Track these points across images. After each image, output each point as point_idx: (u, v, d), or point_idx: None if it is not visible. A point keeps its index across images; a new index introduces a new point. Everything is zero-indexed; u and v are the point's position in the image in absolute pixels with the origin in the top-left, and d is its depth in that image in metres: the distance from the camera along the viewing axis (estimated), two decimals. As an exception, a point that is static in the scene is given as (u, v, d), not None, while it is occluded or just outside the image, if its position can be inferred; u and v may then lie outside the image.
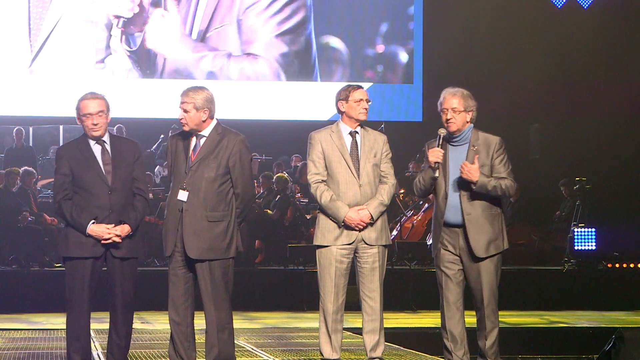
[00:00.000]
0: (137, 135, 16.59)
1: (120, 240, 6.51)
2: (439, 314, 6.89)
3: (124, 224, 6.53)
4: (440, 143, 6.71)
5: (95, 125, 6.53)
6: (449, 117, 6.70)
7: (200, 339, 6.87)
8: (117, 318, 6.63)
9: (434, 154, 6.68)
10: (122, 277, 6.58)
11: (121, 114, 15.97)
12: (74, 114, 6.64)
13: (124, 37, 17.45)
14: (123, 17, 17.39)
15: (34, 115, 17.29)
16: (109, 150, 6.60)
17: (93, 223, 6.47)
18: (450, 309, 6.78)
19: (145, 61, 17.60)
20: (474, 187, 6.65)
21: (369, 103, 7.01)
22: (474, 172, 6.62)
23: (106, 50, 17.40)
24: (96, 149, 6.59)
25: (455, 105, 6.70)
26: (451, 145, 6.78)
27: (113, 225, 6.49)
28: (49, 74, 17.28)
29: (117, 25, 17.40)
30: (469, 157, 6.72)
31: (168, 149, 6.72)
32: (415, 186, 6.90)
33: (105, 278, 6.63)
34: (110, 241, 6.49)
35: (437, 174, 6.71)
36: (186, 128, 6.59)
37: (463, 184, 6.71)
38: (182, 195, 6.52)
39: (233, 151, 6.58)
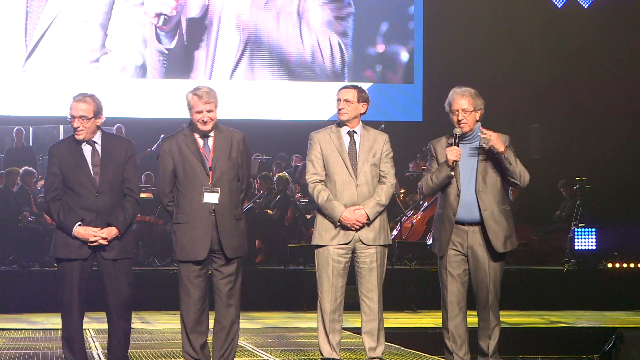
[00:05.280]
0: (136, 136, 16.63)
1: (106, 243, 6.50)
2: (440, 313, 6.89)
3: (111, 226, 6.52)
4: (457, 142, 6.71)
5: (76, 128, 6.53)
6: (460, 118, 6.70)
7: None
8: (113, 318, 6.63)
9: (454, 153, 6.65)
10: (115, 278, 6.57)
11: (119, 114, 15.98)
12: (68, 114, 6.63)
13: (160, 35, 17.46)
14: (164, 15, 17.34)
15: (27, 115, 17.26)
16: (99, 151, 6.57)
17: (79, 225, 6.46)
18: (453, 309, 6.78)
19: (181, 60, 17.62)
20: (502, 155, 6.62)
21: (351, 104, 6.92)
22: (500, 142, 6.64)
23: (101, 50, 17.38)
24: (86, 149, 6.58)
25: (466, 106, 6.71)
26: (461, 144, 6.78)
27: (100, 228, 6.48)
28: (42, 73, 17.25)
29: (157, 23, 17.36)
30: (480, 154, 6.73)
31: (166, 152, 6.63)
32: (426, 185, 6.81)
33: (98, 279, 6.62)
34: (96, 244, 6.49)
35: (453, 173, 6.70)
36: (209, 128, 6.56)
37: (478, 181, 6.71)
38: (212, 198, 6.52)
39: (240, 149, 6.66)
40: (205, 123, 6.53)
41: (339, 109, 6.96)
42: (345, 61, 18.08)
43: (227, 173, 6.57)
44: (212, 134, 6.60)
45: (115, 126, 16.46)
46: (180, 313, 6.68)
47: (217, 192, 6.52)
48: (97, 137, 6.61)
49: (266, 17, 17.77)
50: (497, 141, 6.65)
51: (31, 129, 17.40)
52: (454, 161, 6.66)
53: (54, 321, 11.27)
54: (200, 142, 6.60)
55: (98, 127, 6.61)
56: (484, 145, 6.71)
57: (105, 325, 6.77)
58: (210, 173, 6.54)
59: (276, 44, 17.82)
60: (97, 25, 17.37)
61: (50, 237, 13.95)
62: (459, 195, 6.73)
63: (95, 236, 6.47)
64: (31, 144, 17.29)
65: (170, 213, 6.72)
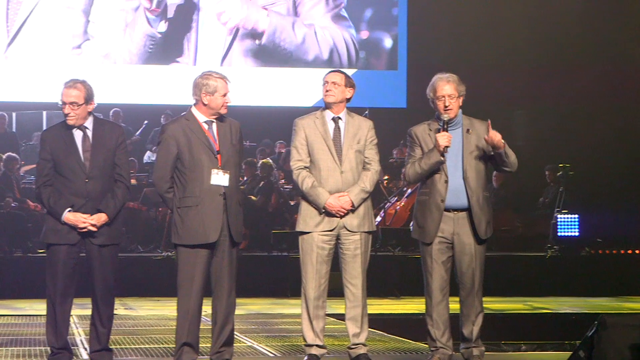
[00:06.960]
0: (125, 122, 16.58)
1: (96, 229, 6.51)
2: (423, 300, 6.90)
3: (101, 212, 6.52)
4: (446, 128, 6.70)
5: (67, 115, 6.54)
6: (447, 104, 6.70)
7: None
8: (98, 304, 6.63)
9: (445, 138, 6.66)
10: (101, 264, 6.58)
11: (102, 100, 15.88)
12: (51, 99, 6.64)
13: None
14: None
15: (10, 101, 17.16)
16: (90, 137, 6.59)
17: (69, 211, 6.47)
18: (437, 296, 6.79)
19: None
20: (503, 150, 6.68)
21: (338, 86, 6.90)
22: (499, 138, 6.68)
23: (84, 36, 17.30)
24: (77, 134, 6.59)
25: (451, 91, 6.72)
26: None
27: (89, 214, 6.49)
28: (24, 59, 17.16)
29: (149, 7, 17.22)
30: (465, 140, 6.74)
31: (170, 137, 6.57)
32: (413, 171, 6.78)
33: (85, 264, 6.62)
34: (85, 230, 6.49)
35: (444, 159, 6.69)
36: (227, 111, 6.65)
37: (465, 167, 6.73)
38: (223, 179, 6.50)
39: (239, 136, 6.72)
40: (226, 106, 6.61)
41: (326, 91, 6.94)
42: (330, 48, 18.04)
43: (233, 158, 6.60)
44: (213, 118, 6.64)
45: (112, 110, 16.41)
46: (180, 300, 6.55)
47: (228, 174, 6.52)
48: (89, 123, 6.62)
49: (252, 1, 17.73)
50: (499, 141, 6.69)
51: (14, 114, 17.32)
52: (445, 147, 6.67)
53: (37, 307, 11.25)
54: (205, 126, 6.61)
55: (89, 113, 6.61)
56: (485, 142, 6.70)
57: (88, 312, 6.75)
58: (218, 156, 6.55)
59: (261, 31, 17.77)
60: (79, 11, 17.29)
61: (33, 223, 14.06)
62: (447, 181, 6.73)
63: (84, 222, 6.48)
64: (14, 129, 17.21)
65: (167, 200, 6.64)
